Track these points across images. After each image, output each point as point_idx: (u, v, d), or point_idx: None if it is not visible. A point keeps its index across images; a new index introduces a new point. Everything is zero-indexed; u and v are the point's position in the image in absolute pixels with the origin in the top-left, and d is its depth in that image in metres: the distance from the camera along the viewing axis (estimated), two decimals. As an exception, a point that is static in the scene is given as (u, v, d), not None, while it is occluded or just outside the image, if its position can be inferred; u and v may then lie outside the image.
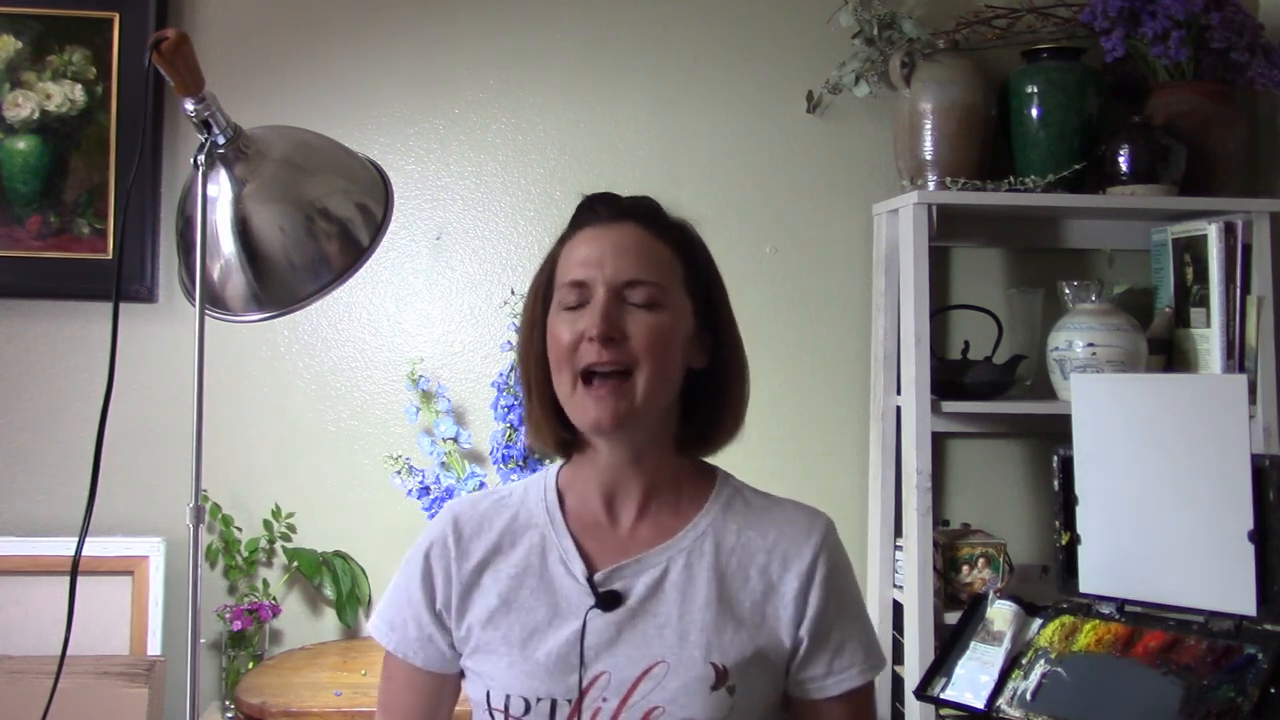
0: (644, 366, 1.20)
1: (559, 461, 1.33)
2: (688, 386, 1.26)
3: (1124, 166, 2.28)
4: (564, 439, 1.27)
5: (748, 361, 1.31)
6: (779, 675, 1.24)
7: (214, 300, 1.41)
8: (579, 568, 1.24)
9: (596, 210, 1.28)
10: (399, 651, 1.29)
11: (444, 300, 2.41)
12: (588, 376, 1.20)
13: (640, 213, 1.27)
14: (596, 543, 1.26)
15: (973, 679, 1.62)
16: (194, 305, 1.32)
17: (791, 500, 1.31)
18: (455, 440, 2.30)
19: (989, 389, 2.30)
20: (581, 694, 1.20)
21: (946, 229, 2.26)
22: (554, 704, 1.20)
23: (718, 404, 1.29)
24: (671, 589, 1.22)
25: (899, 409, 2.28)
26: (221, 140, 1.35)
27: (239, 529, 2.31)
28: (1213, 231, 2.25)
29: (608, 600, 1.22)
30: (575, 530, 1.27)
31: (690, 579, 1.23)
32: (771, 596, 1.23)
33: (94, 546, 1.65)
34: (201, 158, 1.33)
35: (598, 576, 1.23)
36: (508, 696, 1.21)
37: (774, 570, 1.24)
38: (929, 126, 2.31)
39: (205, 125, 1.33)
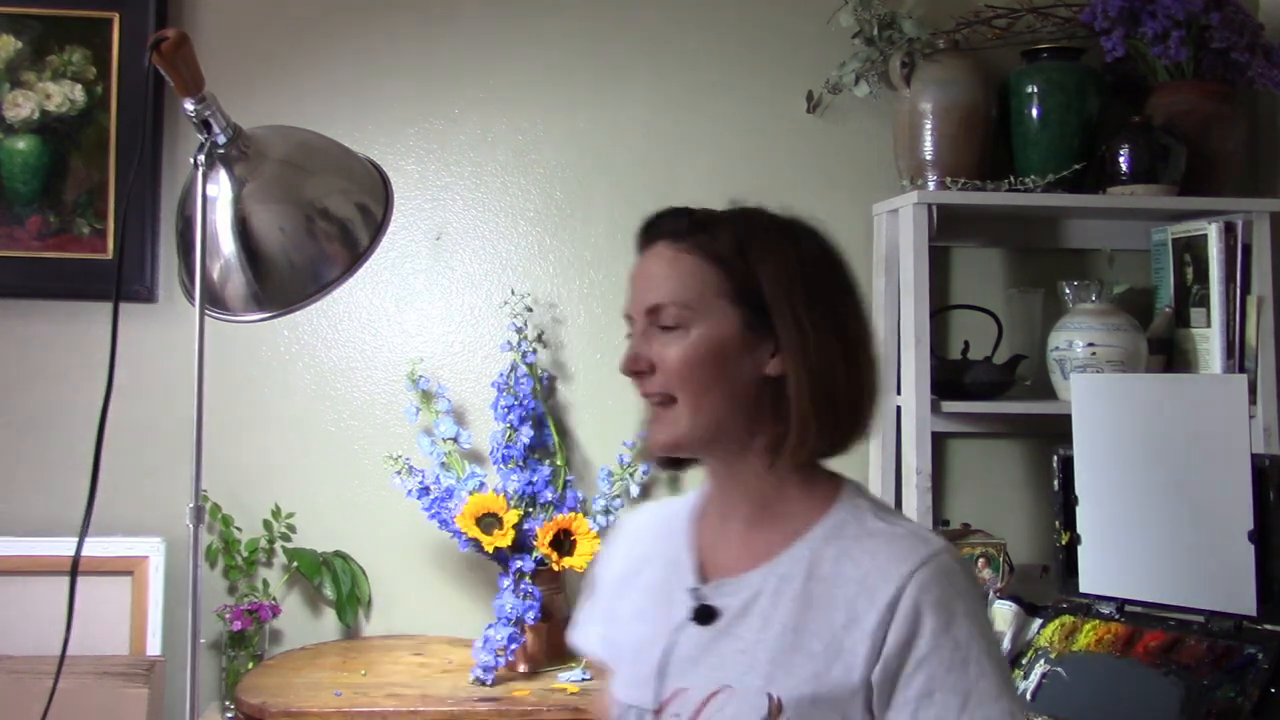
0: (681, 392, 1.17)
1: None
2: (775, 394, 1.19)
3: (1124, 166, 2.28)
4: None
5: (842, 363, 1.18)
6: (852, 716, 1.12)
7: (214, 300, 1.41)
8: (690, 580, 1.23)
9: (639, 237, 1.25)
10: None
11: (444, 300, 2.41)
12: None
13: (668, 230, 1.22)
14: (712, 557, 1.24)
15: (973, 679, 1.62)
16: (194, 305, 1.32)
17: (912, 526, 1.19)
18: (455, 440, 2.30)
19: (989, 389, 2.30)
20: (661, 706, 1.19)
21: (946, 229, 2.26)
22: (640, 714, 1.21)
23: (789, 412, 1.18)
24: (757, 613, 1.17)
25: (899, 409, 2.28)
26: (221, 140, 1.35)
27: (239, 529, 2.31)
28: (1213, 231, 2.25)
29: (702, 614, 1.20)
30: (704, 543, 1.26)
31: (775, 605, 1.17)
32: (852, 629, 1.12)
33: (94, 546, 1.65)
34: (201, 158, 1.33)
35: (703, 590, 1.21)
36: (621, 704, 1.24)
37: (860, 602, 1.12)
38: (929, 126, 2.31)
39: (205, 125, 1.33)
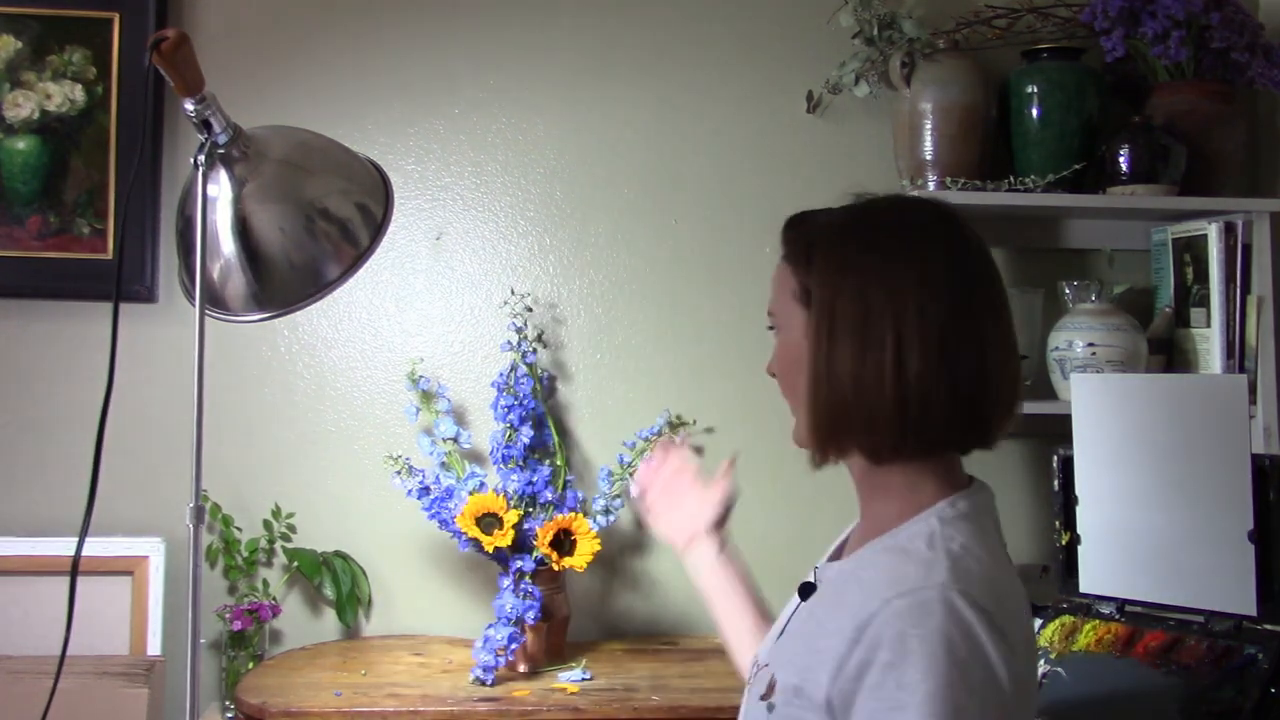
0: (785, 394, 1.23)
1: None
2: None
3: (1124, 166, 2.28)
4: None
5: (879, 365, 1.12)
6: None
7: (214, 300, 1.41)
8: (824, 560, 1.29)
9: None
10: None
11: (444, 300, 2.41)
12: None
13: (783, 239, 1.25)
14: (848, 542, 1.29)
15: (973, 679, 1.62)
16: (194, 305, 1.32)
17: (939, 559, 1.08)
18: (455, 440, 2.30)
19: (989, 389, 2.30)
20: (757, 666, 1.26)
21: (946, 229, 2.26)
22: (756, 668, 1.27)
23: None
24: (818, 600, 1.21)
25: (899, 409, 2.27)
26: (222, 140, 1.35)
27: (239, 529, 2.31)
28: (1213, 231, 2.25)
29: (802, 590, 1.25)
30: (853, 529, 1.30)
31: (824, 599, 1.19)
32: (833, 638, 1.08)
33: (94, 546, 1.65)
34: (201, 158, 1.33)
35: (817, 569, 1.26)
36: (754, 655, 1.32)
37: (848, 615, 1.08)
38: (929, 126, 2.31)
39: (205, 125, 1.33)
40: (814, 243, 1.19)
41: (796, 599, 1.26)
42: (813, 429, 1.17)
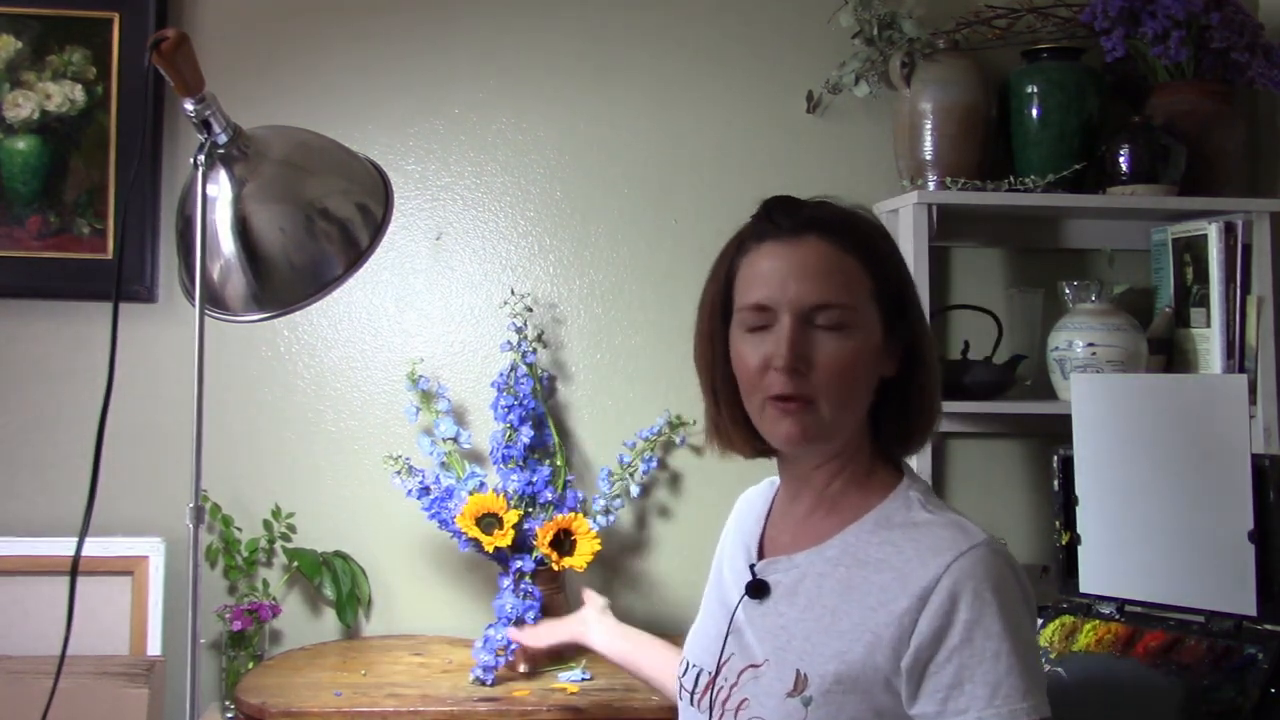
0: (829, 395, 1.17)
1: None
2: (879, 394, 1.23)
3: (1124, 166, 2.28)
4: (755, 446, 1.28)
5: (937, 360, 1.27)
6: (881, 701, 1.13)
7: (214, 300, 1.41)
8: (752, 555, 1.30)
9: (777, 221, 1.23)
10: None
11: (444, 300, 2.41)
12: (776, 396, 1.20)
13: (824, 224, 1.20)
14: (776, 534, 1.30)
15: (973, 679, 1.62)
16: (194, 305, 1.32)
17: (959, 520, 1.19)
18: (455, 440, 2.30)
19: (989, 389, 2.30)
20: (718, 669, 1.25)
21: (946, 229, 2.26)
22: (699, 674, 1.28)
23: (907, 412, 1.24)
24: (802, 594, 1.21)
25: (899, 409, 2.27)
26: (221, 140, 1.35)
27: (239, 529, 2.31)
28: (1213, 231, 2.25)
29: (754, 589, 1.25)
30: (773, 522, 1.32)
31: (819, 587, 1.20)
32: (880, 612, 1.14)
33: (94, 546, 1.65)
34: (201, 158, 1.33)
35: (757, 566, 1.26)
36: (686, 662, 1.33)
37: (894, 588, 1.14)
38: (929, 126, 2.31)
39: (205, 125, 1.33)
40: (878, 247, 1.22)
41: (733, 596, 1.28)
42: (852, 422, 1.22)
